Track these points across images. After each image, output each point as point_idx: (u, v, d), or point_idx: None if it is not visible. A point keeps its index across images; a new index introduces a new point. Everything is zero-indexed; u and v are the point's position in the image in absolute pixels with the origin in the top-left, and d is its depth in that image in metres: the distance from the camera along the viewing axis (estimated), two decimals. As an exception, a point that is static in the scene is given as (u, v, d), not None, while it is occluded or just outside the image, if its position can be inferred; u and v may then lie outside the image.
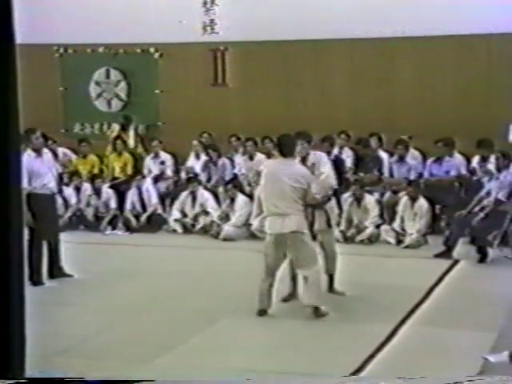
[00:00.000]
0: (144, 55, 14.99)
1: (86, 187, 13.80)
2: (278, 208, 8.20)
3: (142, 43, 14.80)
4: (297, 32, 13.52)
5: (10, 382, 4.03)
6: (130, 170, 14.70)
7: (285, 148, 8.33)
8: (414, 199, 12.02)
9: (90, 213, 13.58)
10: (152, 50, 14.94)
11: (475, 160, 12.68)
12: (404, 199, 12.13)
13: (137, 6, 14.25)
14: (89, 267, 10.18)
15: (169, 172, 14.50)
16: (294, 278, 8.71)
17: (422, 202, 12.02)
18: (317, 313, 8.21)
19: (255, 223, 12.44)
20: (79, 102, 15.42)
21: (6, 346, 4.00)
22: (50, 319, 7.58)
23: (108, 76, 15.37)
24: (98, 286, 9.51)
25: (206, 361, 6.97)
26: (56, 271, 9.90)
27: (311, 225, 8.67)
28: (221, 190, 13.55)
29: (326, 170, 8.78)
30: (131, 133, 15.08)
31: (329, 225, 8.83)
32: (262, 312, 8.30)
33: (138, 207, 13.70)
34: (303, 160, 8.72)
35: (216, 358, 7.05)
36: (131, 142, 14.96)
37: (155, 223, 13.53)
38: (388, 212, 12.43)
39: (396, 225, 12.06)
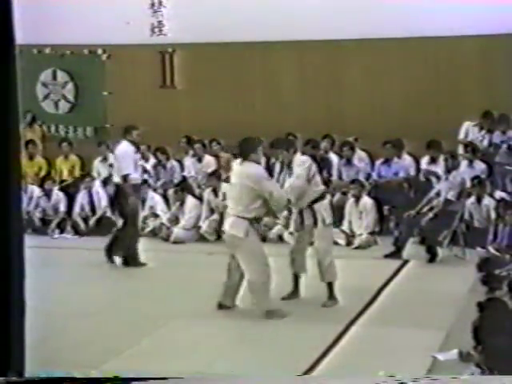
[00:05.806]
0: (91, 56, 14.84)
1: (33, 189, 13.62)
2: (228, 209, 8.45)
3: (90, 44, 14.64)
4: (245, 34, 13.48)
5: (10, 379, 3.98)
6: (77, 173, 14.54)
7: (242, 151, 8.44)
8: (357, 198, 12.08)
9: (37, 216, 13.41)
10: (99, 51, 14.79)
11: (424, 161, 12.75)
12: (350, 200, 12.18)
13: (83, 7, 14.08)
14: (35, 272, 9.98)
15: (118, 174, 14.33)
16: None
17: (366, 200, 12.09)
18: (269, 316, 8.19)
19: (204, 226, 12.41)
20: (26, 103, 15.19)
21: (6, 345, 3.94)
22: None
23: (55, 77, 15.17)
24: (45, 291, 9.33)
25: (154, 364, 6.90)
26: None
27: (301, 224, 8.73)
28: (170, 192, 13.44)
29: (298, 172, 8.67)
30: (36, 128, 14.92)
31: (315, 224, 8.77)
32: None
33: (88, 210, 13.56)
34: (288, 166, 8.73)
35: (164, 360, 7.00)
36: (35, 137, 14.81)
37: (105, 226, 13.37)
38: (337, 213, 12.43)
39: (345, 226, 12.08)
